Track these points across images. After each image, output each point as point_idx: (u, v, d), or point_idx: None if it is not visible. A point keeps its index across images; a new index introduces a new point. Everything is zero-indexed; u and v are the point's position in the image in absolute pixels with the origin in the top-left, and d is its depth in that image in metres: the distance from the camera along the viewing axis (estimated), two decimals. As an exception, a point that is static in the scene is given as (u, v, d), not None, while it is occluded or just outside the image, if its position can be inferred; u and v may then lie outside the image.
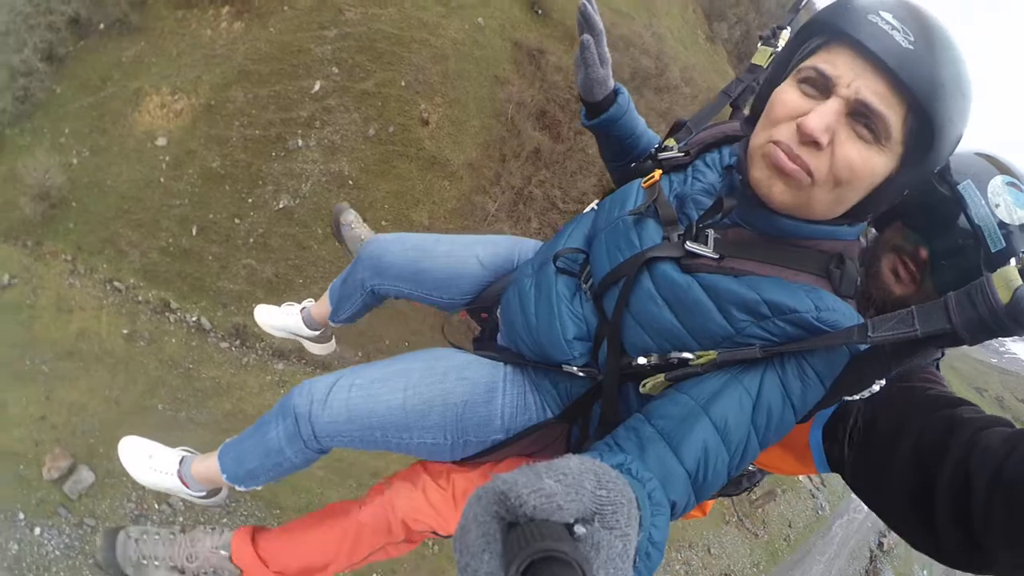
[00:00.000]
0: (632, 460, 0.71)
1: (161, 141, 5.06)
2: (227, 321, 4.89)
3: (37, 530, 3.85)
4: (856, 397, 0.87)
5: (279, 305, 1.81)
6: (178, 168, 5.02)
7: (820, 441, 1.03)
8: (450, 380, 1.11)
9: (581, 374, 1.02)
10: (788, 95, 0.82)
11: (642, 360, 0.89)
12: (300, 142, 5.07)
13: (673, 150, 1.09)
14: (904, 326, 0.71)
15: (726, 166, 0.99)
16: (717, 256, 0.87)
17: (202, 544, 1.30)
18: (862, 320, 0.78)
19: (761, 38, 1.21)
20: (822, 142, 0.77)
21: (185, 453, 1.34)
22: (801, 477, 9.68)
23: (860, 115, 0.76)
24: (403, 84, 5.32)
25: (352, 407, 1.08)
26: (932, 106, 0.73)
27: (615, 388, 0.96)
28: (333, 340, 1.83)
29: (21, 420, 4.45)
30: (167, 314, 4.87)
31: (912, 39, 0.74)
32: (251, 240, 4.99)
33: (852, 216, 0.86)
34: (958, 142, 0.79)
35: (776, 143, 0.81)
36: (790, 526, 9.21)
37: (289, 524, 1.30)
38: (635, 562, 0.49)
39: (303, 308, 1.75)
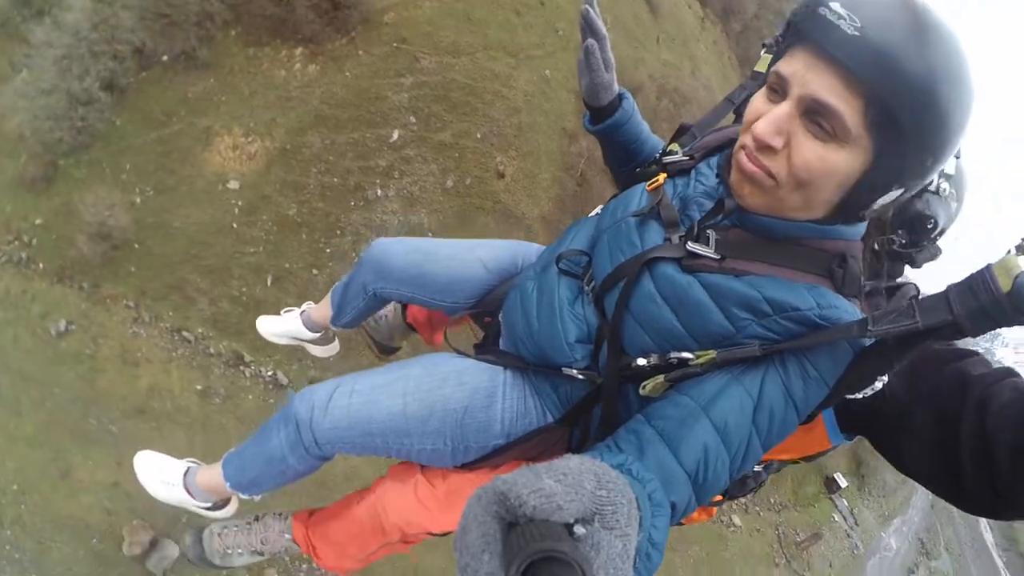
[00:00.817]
0: (632, 460, 0.72)
1: (233, 184, 4.90)
2: (303, 376, 4.81)
3: (127, 606, 3.74)
4: (859, 396, 0.88)
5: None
6: (252, 214, 4.87)
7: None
8: (449, 385, 1.12)
9: (581, 377, 1.03)
10: (756, 101, 0.85)
11: (641, 361, 0.90)
12: (379, 192, 5.00)
13: (678, 154, 1.11)
14: (905, 319, 0.71)
15: (717, 172, 1.01)
16: (718, 256, 0.88)
17: (271, 528, 1.45)
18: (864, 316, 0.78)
19: (764, 45, 1.20)
20: (774, 145, 0.79)
21: (191, 464, 1.41)
22: (836, 517, 10.16)
23: (813, 112, 0.77)
24: (479, 136, 5.32)
25: (353, 413, 1.09)
26: (890, 94, 0.71)
27: (615, 390, 0.97)
28: (336, 341, 1.85)
29: (90, 487, 4.24)
30: (241, 368, 4.75)
31: (859, 25, 0.71)
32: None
33: (841, 215, 0.85)
34: (953, 129, 0.73)
35: (743, 147, 0.86)
36: (831, 566, 9.62)
37: (330, 508, 1.36)
38: (635, 563, 0.49)
39: (303, 311, 1.78)
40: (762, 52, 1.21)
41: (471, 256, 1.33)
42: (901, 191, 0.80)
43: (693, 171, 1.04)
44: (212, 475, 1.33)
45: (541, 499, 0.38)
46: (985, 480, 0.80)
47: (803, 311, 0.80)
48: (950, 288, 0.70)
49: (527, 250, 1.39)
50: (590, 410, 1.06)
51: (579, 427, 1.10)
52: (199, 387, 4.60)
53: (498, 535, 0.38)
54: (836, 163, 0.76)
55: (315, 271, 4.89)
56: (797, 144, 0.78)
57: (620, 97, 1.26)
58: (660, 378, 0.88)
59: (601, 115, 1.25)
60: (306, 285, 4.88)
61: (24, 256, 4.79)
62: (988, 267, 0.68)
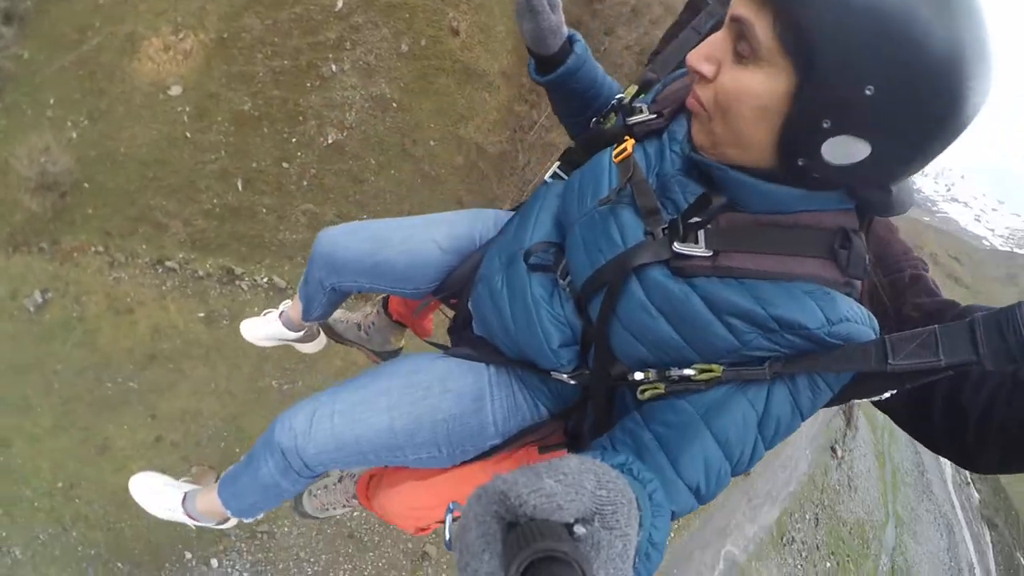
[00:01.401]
0: (634, 460, 0.71)
1: (175, 90, 4.42)
2: (298, 273, 4.49)
3: (214, 562, 3.49)
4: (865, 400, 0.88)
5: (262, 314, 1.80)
6: (203, 118, 4.41)
7: None
8: (434, 395, 1.08)
9: (572, 382, 0.96)
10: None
11: (639, 375, 0.84)
12: (334, 67, 4.57)
13: (643, 112, 0.97)
14: (927, 353, 0.67)
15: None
16: (710, 253, 0.78)
17: (352, 487, 1.60)
18: (876, 327, 0.75)
19: None
20: (702, 71, 0.76)
21: (187, 488, 1.42)
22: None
23: (739, 36, 0.71)
24: (427, -10, 4.93)
25: (338, 435, 1.06)
26: (799, 4, 0.64)
27: (603, 398, 0.94)
28: (322, 335, 1.81)
29: (134, 451, 3.91)
30: (236, 282, 4.38)
31: None
32: (304, 183, 4.50)
33: (786, 167, 0.74)
34: (883, 56, 0.62)
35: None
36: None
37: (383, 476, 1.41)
38: (634, 563, 0.48)
39: (281, 312, 1.72)
40: None
41: (425, 237, 1.24)
42: (852, 142, 0.68)
43: (665, 134, 0.93)
44: (210, 500, 1.31)
45: (541, 499, 0.37)
46: (955, 439, 0.86)
47: (812, 330, 0.73)
48: (976, 321, 0.65)
49: (485, 222, 1.28)
50: (584, 406, 1.02)
51: (572, 420, 1.07)
52: (201, 314, 4.20)
53: (498, 535, 0.38)
54: (750, 84, 0.70)
55: (285, 164, 4.50)
56: (723, 71, 0.74)
57: (570, 40, 1.12)
58: (661, 387, 0.82)
59: (550, 64, 1.11)
60: (279, 180, 4.50)
61: (-35, 237, 4.32)
62: (1020, 307, 0.63)
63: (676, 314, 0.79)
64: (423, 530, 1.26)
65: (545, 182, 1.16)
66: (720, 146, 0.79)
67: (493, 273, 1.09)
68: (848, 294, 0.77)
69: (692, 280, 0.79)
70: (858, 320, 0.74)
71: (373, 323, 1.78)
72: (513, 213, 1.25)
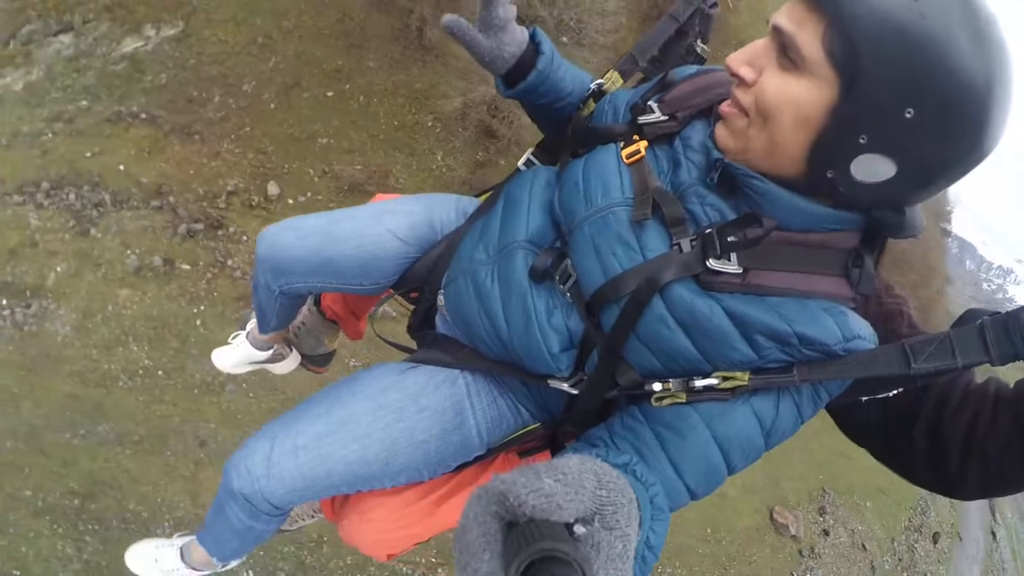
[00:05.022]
0: (637, 462, 0.74)
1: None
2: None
3: None
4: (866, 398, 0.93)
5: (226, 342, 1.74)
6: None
7: None
8: (408, 416, 1.02)
9: (574, 390, 0.93)
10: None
11: (657, 387, 0.83)
12: None
13: (655, 112, 0.93)
14: (945, 355, 0.72)
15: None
16: (741, 270, 0.79)
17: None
18: (876, 339, 0.79)
19: None
20: (742, 75, 0.77)
21: (183, 541, 1.41)
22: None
23: (783, 46, 0.73)
24: None
25: (307, 473, 0.99)
26: (849, 18, 0.67)
27: (598, 405, 0.92)
28: (293, 352, 1.70)
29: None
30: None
31: None
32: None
33: (812, 180, 0.77)
34: (930, 74, 0.65)
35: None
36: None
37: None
38: None
39: (247, 333, 1.64)
40: None
41: (379, 229, 1.15)
42: (881, 160, 0.71)
43: (677, 140, 0.91)
44: (199, 551, 1.28)
45: (541, 499, 0.38)
46: (938, 469, 0.89)
47: (830, 346, 0.76)
48: (985, 325, 0.71)
49: (444, 209, 1.21)
50: (570, 412, 0.99)
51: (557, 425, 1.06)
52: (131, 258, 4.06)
53: (498, 535, 0.38)
54: (794, 92, 0.72)
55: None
56: (765, 77, 0.75)
57: (534, 42, 1.03)
58: (682, 397, 0.81)
59: (515, 77, 1.04)
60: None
61: None
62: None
63: (698, 328, 0.79)
64: (392, 556, 1.17)
65: (519, 169, 1.15)
66: (750, 152, 0.80)
67: (477, 267, 1.01)
68: (854, 309, 0.81)
69: (717, 295, 0.79)
70: (866, 337, 0.78)
71: (303, 324, 1.62)
72: (478, 201, 1.22)
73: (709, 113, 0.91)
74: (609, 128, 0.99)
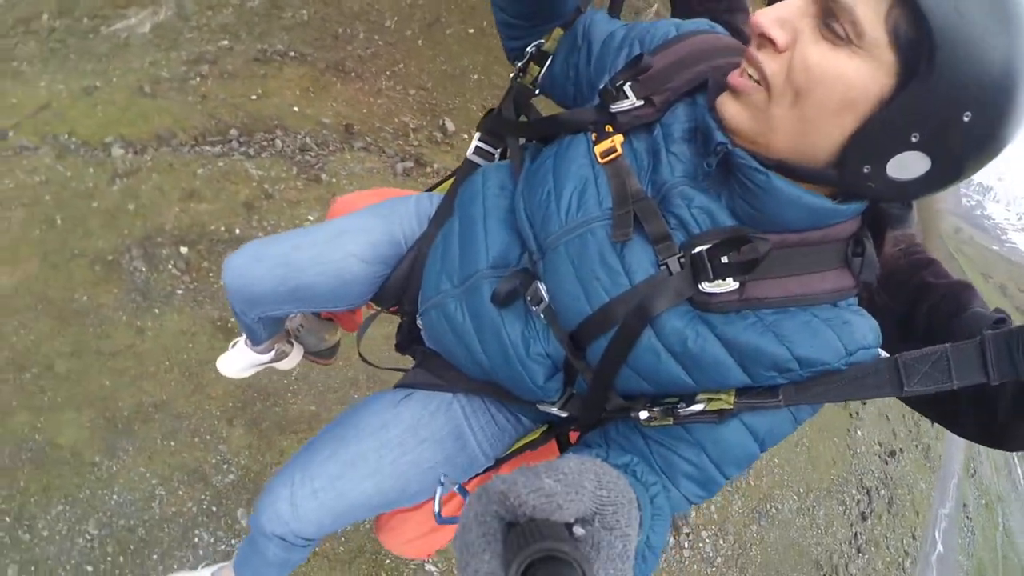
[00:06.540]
0: (638, 462, 0.73)
1: None
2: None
3: None
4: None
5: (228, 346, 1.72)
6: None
7: None
8: (410, 449, 1.02)
9: (564, 414, 0.91)
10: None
11: (644, 415, 0.78)
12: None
13: (629, 98, 0.80)
14: (941, 376, 0.65)
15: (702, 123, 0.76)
16: (737, 286, 0.71)
17: None
18: (881, 341, 0.74)
19: None
20: (774, 37, 0.63)
21: (209, 572, 1.44)
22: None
23: (828, 13, 0.61)
24: None
25: (330, 509, 1.01)
26: None
27: (594, 421, 0.89)
28: (295, 345, 1.69)
29: None
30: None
31: None
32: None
33: (841, 174, 0.66)
34: (1002, 74, 0.56)
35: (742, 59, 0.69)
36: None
37: None
38: None
39: (245, 339, 1.61)
40: None
41: (340, 253, 1.08)
42: (920, 158, 0.62)
43: (657, 129, 0.80)
44: None
45: (541, 499, 0.37)
46: (986, 422, 0.85)
47: (831, 365, 0.70)
48: (987, 340, 0.63)
49: (403, 219, 1.12)
50: (569, 423, 0.99)
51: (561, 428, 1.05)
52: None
53: (499, 534, 0.38)
54: (843, 69, 0.60)
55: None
56: (802, 44, 0.62)
57: None
58: (669, 421, 0.77)
59: None
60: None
61: None
62: None
63: (690, 358, 0.74)
64: (426, 554, 1.22)
65: (470, 161, 1.07)
66: (769, 134, 0.68)
67: (446, 300, 0.94)
68: (856, 295, 0.75)
69: (711, 318, 0.72)
70: (871, 344, 0.72)
71: (302, 326, 1.66)
72: (438, 198, 1.12)
73: (692, 94, 0.80)
74: (576, 117, 0.86)
